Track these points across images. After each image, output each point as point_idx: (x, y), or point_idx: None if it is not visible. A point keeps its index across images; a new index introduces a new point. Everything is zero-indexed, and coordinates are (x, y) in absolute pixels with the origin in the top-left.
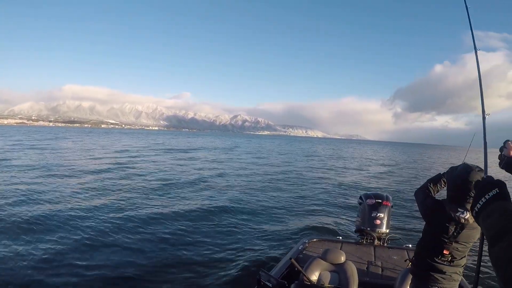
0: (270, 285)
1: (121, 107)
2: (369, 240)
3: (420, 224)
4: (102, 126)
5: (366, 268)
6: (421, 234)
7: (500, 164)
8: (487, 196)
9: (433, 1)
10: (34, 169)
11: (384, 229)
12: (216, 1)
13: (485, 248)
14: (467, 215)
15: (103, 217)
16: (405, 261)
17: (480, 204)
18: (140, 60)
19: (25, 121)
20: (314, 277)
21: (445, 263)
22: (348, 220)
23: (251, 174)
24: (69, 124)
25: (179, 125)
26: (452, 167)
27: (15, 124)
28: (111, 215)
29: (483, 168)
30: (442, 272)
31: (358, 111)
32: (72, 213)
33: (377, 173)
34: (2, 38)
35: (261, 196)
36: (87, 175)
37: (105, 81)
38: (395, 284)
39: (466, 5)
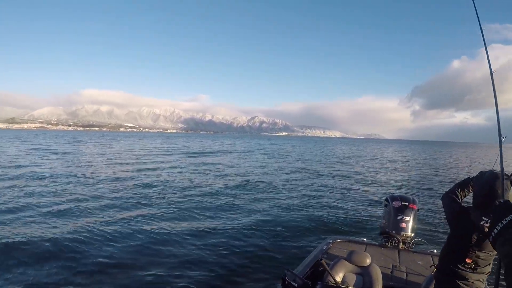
0: (295, 284)
1: (139, 111)
2: (394, 243)
3: (446, 229)
4: (121, 129)
5: (391, 272)
6: (446, 240)
7: None
8: (504, 222)
9: None
10: (61, 174)
11: (409, 233)
12: (233, 5)
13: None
14: None
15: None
16: (430, 267)
17: (497, 229)
18: (157, 64)
19: (44, 125)
20: (339, 278)
21: (468, 270)
22: (373, 221)
23: (274, 175)
24: (88, 128)
25: (196, 127)
26: (481, 172)
27: (35, 128)
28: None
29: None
30: (465, 279)
31: (375, 110)
32: (106, 221)
33: (400, 173)
34: (21, 45)
35: (285, 196)
36: (112, 180)
37: (123, 85)
38: None
39: (474, 1)
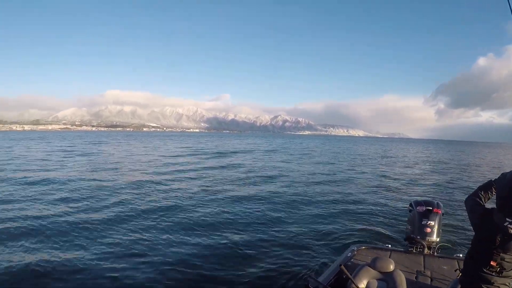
0: None
1: (162, 110)
2: (419, 248)
3: (472, 233)
4: (144, 129)
5: (415, 277)
6: (471, 243)
7: None
8: None
9: None
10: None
11: (434, 238)
12: (254, 4)
13: None
14: None
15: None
16: (455, 271)
17: None
18: (180, 64)
19: (68, 126)
20: (362, 285)
21: (493, 273)
22: (397, 227)
23: (297, 177)
24: (112, 128)
25: (219, 126)
26: (503, 173)
27: (59, 130)
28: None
29: None
30: (490, 283)
31: (399, 109)
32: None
33: (425, 175)
34: (44, 48)
35: (309, 201)
36: (143, 181)
37: (146, 86)
38: None
39: None
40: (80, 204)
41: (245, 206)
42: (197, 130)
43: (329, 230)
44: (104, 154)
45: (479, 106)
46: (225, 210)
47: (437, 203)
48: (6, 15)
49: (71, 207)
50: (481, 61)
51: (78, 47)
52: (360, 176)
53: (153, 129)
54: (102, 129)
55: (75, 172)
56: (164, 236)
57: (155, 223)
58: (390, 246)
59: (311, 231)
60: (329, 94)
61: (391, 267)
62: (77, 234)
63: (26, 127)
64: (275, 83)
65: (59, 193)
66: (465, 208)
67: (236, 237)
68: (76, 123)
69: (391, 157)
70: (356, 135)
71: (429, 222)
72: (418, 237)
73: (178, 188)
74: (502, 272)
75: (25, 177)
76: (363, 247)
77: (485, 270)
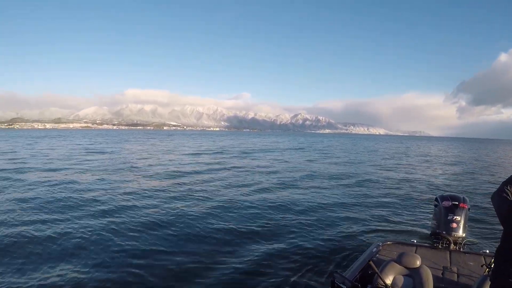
0: (345, 287)
1: (182, 109)
2: (445, 244)
3: (499, 229)
4: (164, 128)
5: (442, 273)
6: (499, 240)
7: None
8: None
9: None
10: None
11: (460, 233)
12: (273, 3)
13: None
14: None
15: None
16: (481, 266)
17: None
18: (199, 63)
19: (89, 124)
20: (388, 281)
21: None
22: (423, 222)
23: (320, 174)
24: (132, 127)
25: (240, 125)
26: None
27: (81, 128)
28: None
29: None
30: None
31: (420, 106)
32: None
33: (448, 171)
34: (65, 47)
35: (334, 197)
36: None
37: (166, 85)
38: None
39: None
40: (108, 201)
41: (270, 203)
42: (217, 129)
43: (354, 226)
44: (127, 152)
45: (501, 103)
46: (251, 205)
47: (463, 197)
48: (26, 17)
49: (99, 204)
50: (503, 57)
51: (99, 45)
52: (383, 172)
53: (174, 127)
54: (123, 127)
55: (99, 171)
56: (194, 233)
57: (183, 225)
58: (415, 241)
59: (336, 226)
60: (350, 92)
61: (418, 263)
62: (102, 231)
63: (48, 126)
64: (295, 82)
65: (90, 192)
66: (491, 203)
67: (260, 233)
68: (97, 121)
69: (413, 154)
70: (377, 133)
71: (455, 217)
72: (444, 232)
73: (203, 188)
74: None
75: (47, 174)
76: (388, 243)
77: None
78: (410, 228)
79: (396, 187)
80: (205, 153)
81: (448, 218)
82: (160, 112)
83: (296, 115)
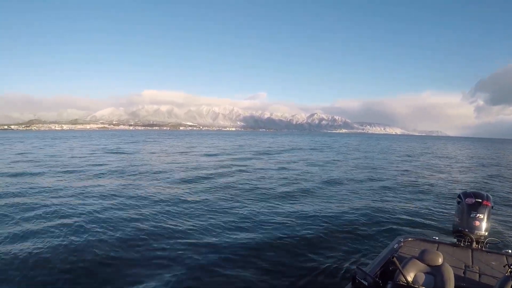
0: (366, 283)
1: (198, 109)
2: (467, 242)
3: None
4: (180, 128)
5: (463, 272)
6: None
7: None
8: None
9: None
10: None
11: (483, 231)
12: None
13: None
14: None
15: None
16: (504, 267)
17: None
18: (214, 63)
19: (106, 125)
20: (410, 278)
21: None
22: (444, 219)
23: (340, 172)
24: (149, 127)
25: (256, 125)
26: None
27: (97, 129)
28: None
29: None
30: None
31: (437, 106)
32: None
33: (470, 170)
34: (81, 48)
35: (353, 193)
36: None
37: (182, 85)
38: None
39: None
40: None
41: (291, 201)
42: (233, 129)
43: (375, 221)
44: (144, 152)
45: None
46: (274, 204)
47: (487, 195)
48: (43, 19)
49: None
50: None
51: (115, 46)
52: (404, 169)
53: (190, 128)
54: (139, 128)
55: (117, 170)
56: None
57: (208, 222)
58: (437, 238)
59: (357, 221)
60: (366, 91)
61: (440, 260)
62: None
63: (65, 127)
64: (312, 81)
65: (117, 189)
66: None
67: (284, 230)
68: (114, 122)
69: (432, 153)
70: (393, 133)
71: (478, 215)
72: (466, 230)
73: (228, 186)
74: None
75: (75, 172)
76: (410, 239)
77: None
78: (432, 224)
79: (418, 184)
80: (225, 154)
81: (471, 215)
82: (176, 113)
83: (312, 115)
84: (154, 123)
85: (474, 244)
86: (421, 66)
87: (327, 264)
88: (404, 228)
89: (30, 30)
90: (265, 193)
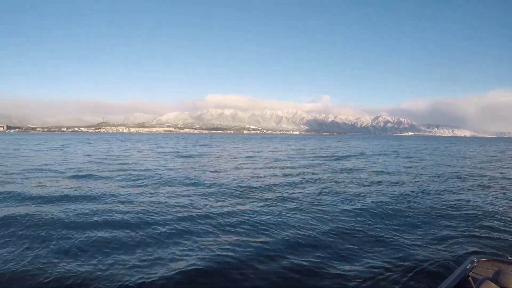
0: None
1: (262, 113)
2: None
3: None
4: (244, 132)
5: None
6: None
7: None
8: None
9: None
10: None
11: None
12: (351, 3)
13: None
14: None
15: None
16: None
17: None
18: (279, 67)
19: (171, 129)
20: None
21: None
22: None
23: (409, 179)
24: (213, 131)
25: (319, 128)
26: None
27: (163, 132)
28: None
29: None
30: None
31: (509, 105)
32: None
33: None
34: (148, 55)
35: (423, 203)
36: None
37: (246, 89)
38: None
39: None
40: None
41: (358, 208)
42: (297, 133)
43: (446, 237)
44: (212, 155)
45: None
46: (342, 209)
47: None
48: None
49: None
50: None
51: (181, 50)
52: (477, 180)
53: (253, 131)
54: (204, 131)
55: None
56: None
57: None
58: None
59: (428, 238)
60: (433, 91)
61: None
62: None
63: (132, 129)
64: (376, 82)
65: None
66: None
67: (352, 240)
68: (179, 125)
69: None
70: (462, 135)
71: None
72: None
73: (299, 191)
74: None
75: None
76: (484, 259)
77: None
78: (507, 242)
79: (493, 196)
80: (295, 158)
81: None
82: (240, 116)
83: (377, 117)
84: (218, 126)
85: None
86: (489, 62)
87: (396, 282)
88: (476, 245)
89: (100, 40)
90: (341, 198)
